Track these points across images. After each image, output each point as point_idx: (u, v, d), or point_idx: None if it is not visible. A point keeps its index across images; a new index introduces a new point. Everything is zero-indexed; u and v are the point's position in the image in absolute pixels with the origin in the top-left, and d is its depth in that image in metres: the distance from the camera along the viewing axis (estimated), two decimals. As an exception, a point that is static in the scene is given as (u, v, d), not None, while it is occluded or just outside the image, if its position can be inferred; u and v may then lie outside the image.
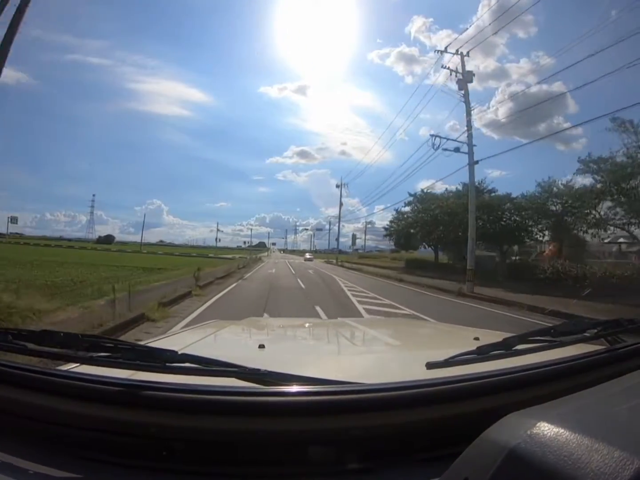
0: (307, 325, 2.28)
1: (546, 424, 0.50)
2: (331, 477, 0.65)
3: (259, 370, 0.70)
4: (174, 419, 0.65)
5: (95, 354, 0.75)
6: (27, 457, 0.65)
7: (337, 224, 48.49)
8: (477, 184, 17.40)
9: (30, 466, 0.64)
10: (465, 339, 1.62)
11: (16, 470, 0.63)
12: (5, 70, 6.06)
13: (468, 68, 14.87)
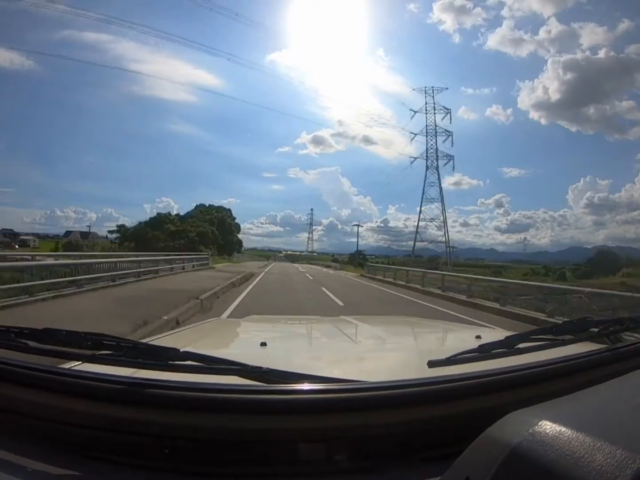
0: (308, 322, 2.29)
1: (548, 423, 0.50)
2: (331, 475, 0.66)
3: (261, 368, 0.70)
4: (176, 417, 0.65)
5: (97, 352, 0.75)
6: (27, 456, 0.65)
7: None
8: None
9: (30, 464, 0.64)
10: (466, 338, 1.62)
11: (16, 469, 0.63)
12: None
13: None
